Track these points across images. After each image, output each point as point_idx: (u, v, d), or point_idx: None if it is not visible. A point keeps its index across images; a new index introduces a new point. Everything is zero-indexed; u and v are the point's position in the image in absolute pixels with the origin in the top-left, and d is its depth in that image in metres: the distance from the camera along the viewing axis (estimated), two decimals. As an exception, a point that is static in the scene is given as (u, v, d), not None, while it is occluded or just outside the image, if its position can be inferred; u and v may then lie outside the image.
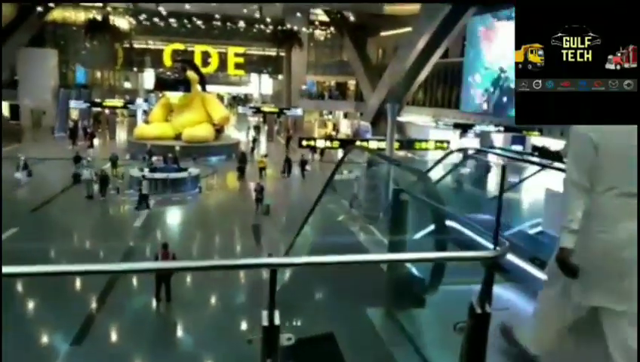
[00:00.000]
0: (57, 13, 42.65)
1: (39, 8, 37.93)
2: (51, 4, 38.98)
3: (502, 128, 26.21)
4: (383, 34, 44.32)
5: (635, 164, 2.07)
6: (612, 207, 2.17)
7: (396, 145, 17.43)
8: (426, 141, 17.22)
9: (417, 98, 38.02)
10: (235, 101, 57.61)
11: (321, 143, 17.08)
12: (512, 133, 27.00)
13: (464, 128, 27.63)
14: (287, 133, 36.61)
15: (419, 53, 31.28)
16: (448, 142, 17.13)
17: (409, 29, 36.89)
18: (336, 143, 17.62)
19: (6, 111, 37.95)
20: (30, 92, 38.53)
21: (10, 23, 36.83)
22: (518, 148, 31.60)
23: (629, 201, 2.13)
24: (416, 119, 35.48)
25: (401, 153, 18.36)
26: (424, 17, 30.36)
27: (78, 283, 11.27)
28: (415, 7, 37.22)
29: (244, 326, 9.60)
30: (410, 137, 32.37)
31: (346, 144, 18.09)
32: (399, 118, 36.34)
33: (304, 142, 17.26)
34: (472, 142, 23.32)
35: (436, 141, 17.23)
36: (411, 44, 31.81)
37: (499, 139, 31.14)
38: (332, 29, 46.50)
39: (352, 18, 43.61)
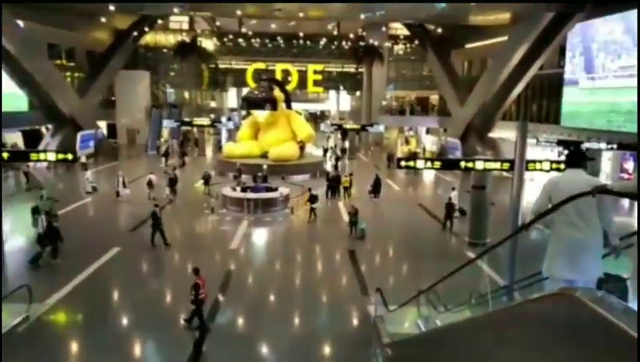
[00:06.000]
0: (149, 37, 45.17)
1: (134, 33, 40.27)
2: (146, 29, 41.23)
3: (614, 145, 23.60)
4: (468, 46, 42.46)
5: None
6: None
7: (505, 165, 15.95)
8: (540, 162, 15.51)
9: (508, 112, 35.68)
10: (312, 118, 57.78)
11: (421, 164, 15.92)
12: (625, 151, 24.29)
13: (568, 145, 25.21)
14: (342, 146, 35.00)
15: (514, 67, 29.31)
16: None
17: (497, 39, 34.91)
18: (437, 164, 16.38)
19: (105, 130, 40.57)
20: (126, 112, 40.98)
21: (108, 48, 39.38)
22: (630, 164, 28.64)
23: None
24: (508, 135, 33.16)
25: (508, 174, 16.85)
26: (521, 27, 28.39)
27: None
28: (504, 17, 35.18)
29: None
30: (503, 155, 30.28)
31: (451, 165, 16.84)
32: (490, 134, 34.38)
33: (402, 163, 16.18)
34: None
35: (552, 161, 15.48)
36: (505, 56, 29.90)
37: (608, 157, 28.23)
38: (415, 42, 45.31)
39: (435, 30, 42.18)
